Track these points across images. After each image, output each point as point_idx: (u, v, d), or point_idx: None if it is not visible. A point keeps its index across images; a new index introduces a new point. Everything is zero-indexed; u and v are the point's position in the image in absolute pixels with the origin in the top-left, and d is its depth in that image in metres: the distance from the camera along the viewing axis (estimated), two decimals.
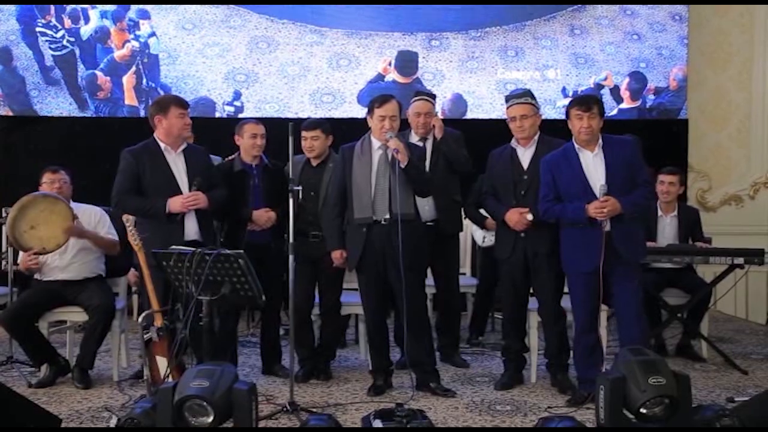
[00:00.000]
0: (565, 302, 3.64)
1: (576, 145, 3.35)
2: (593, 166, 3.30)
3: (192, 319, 2.81)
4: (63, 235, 3.62)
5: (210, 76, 6.04)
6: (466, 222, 4.67)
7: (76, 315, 3.72)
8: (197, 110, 5.60)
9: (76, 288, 3.74)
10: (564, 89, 6.27)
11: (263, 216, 3.77)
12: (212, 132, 5.60)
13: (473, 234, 4.66)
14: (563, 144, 3.60)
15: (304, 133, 3.76)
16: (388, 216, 3.38)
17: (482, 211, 4.47)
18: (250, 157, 3.84)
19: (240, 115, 6.08)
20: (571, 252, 3.36)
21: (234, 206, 3.75)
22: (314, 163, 3.88)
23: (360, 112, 6.04)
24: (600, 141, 3.32)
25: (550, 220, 3.39)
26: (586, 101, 3.36)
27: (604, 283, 3.24)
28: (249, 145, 3.81)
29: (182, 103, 3.51)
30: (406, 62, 6.19)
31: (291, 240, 3.22)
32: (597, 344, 3.34)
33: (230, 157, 3.96)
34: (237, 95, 6.07)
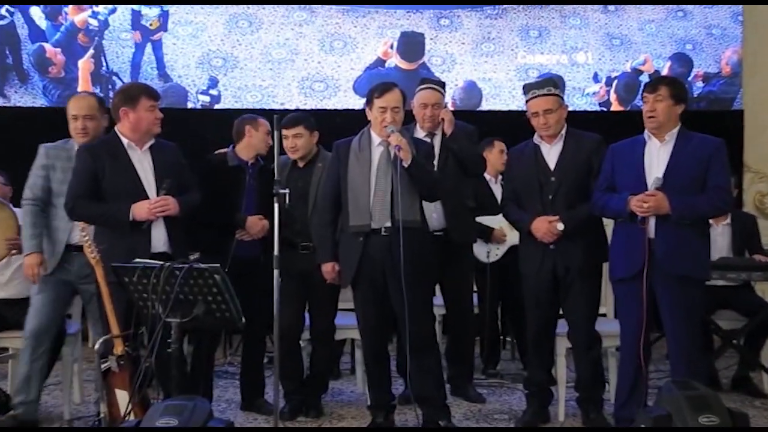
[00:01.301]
0: (602, 326, 3.63)
1: (647, 134, 3.35)
2: (656, 156, 3.29)
3: (159, 346, 2.80)
4: (4, 246, 3.61)
5: (181, 61, 6.07)
6: None
7: (18, 341, 3.70)
8: (166, 100, 5.61)
9: (18, 308, 3.73)
10: (596, 75, 6.29)
11: (257, 224, 3.80)
12: (183, 125, 5.62)
13: (474, 249, 4.64)
14: (596, 138, 3.60)
15: (284, 132, 3.79)
16: (389, 224, 3.38)
17: (487, 219, 4.49)
18: (251, 154, 3.88)
19: (216, 106, 6.10)
20: (615, 253, 3.37)
21: (225, 208, 3.78)
22: (301, 164, 3.90)
23: (357, 102, 6.05)
24: (675, 131, 3.30)
25: (597, 213, 3.42)
26: (655, 82, 3.37)
27: (651, 302, 3.22)
28: (264, 140, 3.88)
29: (153, 95, 3.51)
30: (411, 45, 6.21)
31: (276, 252, 3.21)
32: (640, 375, 3.31)
33: (221, 151, 3.98)
34: (213, 83, 6.09)
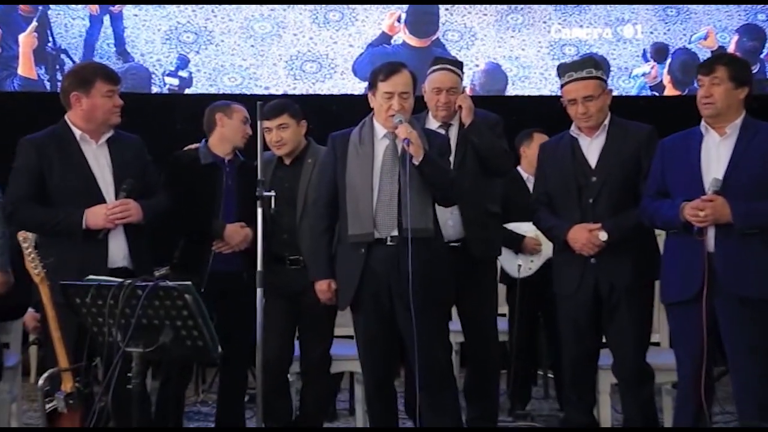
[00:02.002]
0: (655, 357, 3.62)
1: (703, 125, 3.34)
2: (715, 153, 3.27)
3: (117, 381, 2.79)
4: None
5: (144, 36, 6.09)
6: None
7: None
8: (126, 83, 5.59)
9: None
10: (645, 53, 6.29)
11: (239, 233, 3.81)
12: (147, 114, 5.65)
13: (502, 262, 4.62)
14: (646, 129, 3.60)
15: (266, 123, 3.80)
16: (395, 232, 3.38)
17: (516, 226, 4.49)
18: (227, 148, 3.91)
19: (187, 91, 6.12)
20: (668, 271, 3.35)
21: (198, 214, 3.79)
22: (287, 161, 3.91)
23: (357, 86, 6.07)
24: (738, 122, 3.28)
25: (646, 223, 3.40)
26: (711, 60, 3.37)
27: (714, 328, 3.20)
28: (239, 130, 3.90)
29: (111, 77, 3.52)
30: (422, 17, 6.23)
31: (259, 267, 3.22)
32: (702, 417, 3.27)
33: (192, 146, 4.01)
34: (183, 62, 6.11)
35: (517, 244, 4.51)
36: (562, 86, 3.62)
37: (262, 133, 3.48)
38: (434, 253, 3.43)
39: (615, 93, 3.77)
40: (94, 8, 6.05)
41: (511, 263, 4.55)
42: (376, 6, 6.19)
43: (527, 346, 4.70)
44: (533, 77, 6.24)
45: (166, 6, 6.09)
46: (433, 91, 3.99)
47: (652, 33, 6.29)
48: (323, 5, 6.17)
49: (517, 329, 4.60)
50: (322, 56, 6.15)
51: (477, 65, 6.23)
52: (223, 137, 3.90)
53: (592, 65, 3.60)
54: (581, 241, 3.49)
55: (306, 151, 3.90)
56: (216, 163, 3.87)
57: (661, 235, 3.55)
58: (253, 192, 3.70)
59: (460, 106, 3.98)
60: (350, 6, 6.18)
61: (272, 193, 3.38)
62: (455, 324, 4.08)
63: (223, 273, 3.77)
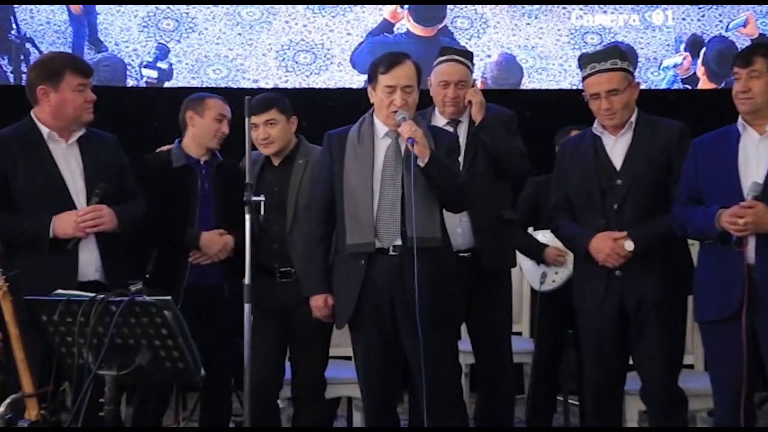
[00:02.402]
0: (689, 381, 3.61)
1: (741, 122, 3.34)
2: (755, 154, 3.26)
3: (87, 408, 2.79)
4: None
5: (119, 23, 6.09)
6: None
7: None
8: (99, 76, 5.62)
9: None
10: (678, 41, 6.28)
11: (216, 242, 3.82)
12: (123, 110, 5.66)
13: (525, 272, 4.63)
14: (677, 127, 3.60)
15: (252, 119, 3.79)
16: (399, 242, 3.39)
17: (541, 234, 4.48)
18: (201, 149, 3.92)
19: (167, 84, 6.12)
20: (703, 286, 3.34)
21: (171, 223, 3.80)
22: (276, 161, 3.91)
23: (356, 79, 6.07)
24: None
25: (678, 233, 3.40)
26: (748, 51, 3.37)
27: (754, 348, 3.19)
28: (211, 130, 3.90)
29: (83, 69, 3.53)
30: (428, 3, 6.23)
31: (247, 280, 3.23)
32: None
33: (164, 148, 4.01)
34: (162, 53, 6.11)
35: (538, 253, 4.51)
36: (583, 79, 3.62)
37: (249, 131, 3.47)
38: (442, 265, 3.44)
39: (643, 86, 3.79)
40: (77, 8, 6.05)
41: (534, 274, 4.54)
42: None
43: (548, 368, 4.68)
44: (551, 69, 6.23)
45: None
46: (439, 84, 3.99)
47: (684, 19, 6.28)
48: None
49: (536, 348, 4.60)
50: (317, 46, 6.15)
51: (489, 56, 6.22)
52: (195, 137, 3.91)
53: (618, 55, 3.60)
54: (605, 251, 3.49)
55: (296, 151, 3.91)
56: (189, 165, 3.88)
57: (694, 246, 3.54)
58: (233, 195, 3.71)
59: (469, 102, 4.00)
60: None
61: (261, 198, 3.38)
62: (465, 343, 4.08)
63: (202, 287, 3.78)
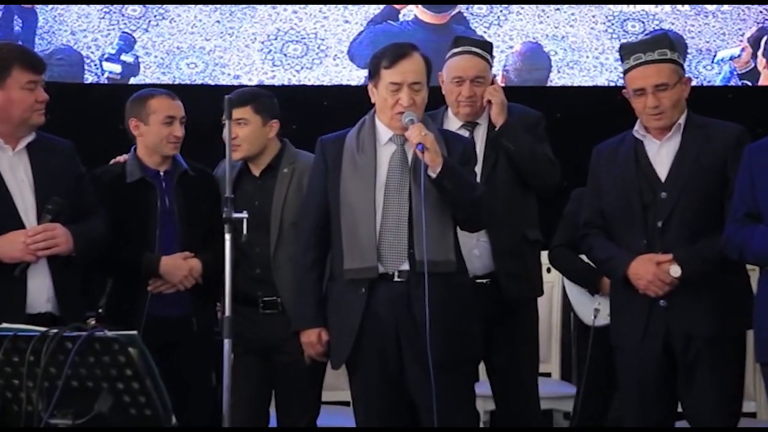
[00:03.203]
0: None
1: None
2: None
3: None
4: None
5: (75, 8, 6.10)
6: (552, 278, 4.63)
7: None
8: (53, 71, 5.67)
9: None
10: (736, 29, 6.29)
11: (180, 267, 3.83)
12: (79, 111, 5.68)
13: (573, 303, 4.62)
14: (735, 131, 3.60)
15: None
16: (406, 266, 3.40)
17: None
18: (156, 159, 3.92)
19: (133, 80, 6.15)
20: (764, 319, 3.33)
21: (127, 246, 3.81)
22: (256, 170, 3.94)
23: (355, 75, 6.08)
24: None
25: (733, 256, 3.39)
26: None
27: None
28: (161, 136, 3.89)
29: (33, 64, 3.53)
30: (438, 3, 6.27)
31: (227, 311, 3.24)
32: None
33: (117, 159, 4.02)
34: (126, 44, 6.13)
35: (595, 282, 4.51)
36: (625, 72, 3.64)
37: (230, 136, 3.46)
38: (456, 293, 3.45)
39: (693, 82, 3.76)
40: None
41: (586, 307, 4.55)
42: None
43: (594, 417, 4.67)
44: (585, 62, 6.25)
45: None
46: (453, 81, 4.00)
47: (743, 4, 6.30)
48: None
49: (583, 394, 4.59)
50: (309, 36, 6.17)
51: (511, 47, 6.24)
52: (146, 147, 3.91)
53: (667, 45, 3.61)
54: (646, 277, 3.50)
55: (280, 158, 3.93)
56: (146, 179, 3.88)
57: (754, 272, 3.54)
58: (200, 210, 3.73)
59: (488, 102, 4.00)
60: None
61: (243, 215, 3.37)
62: (484, 386, 4.08)
63: (166, 320, 3.79)
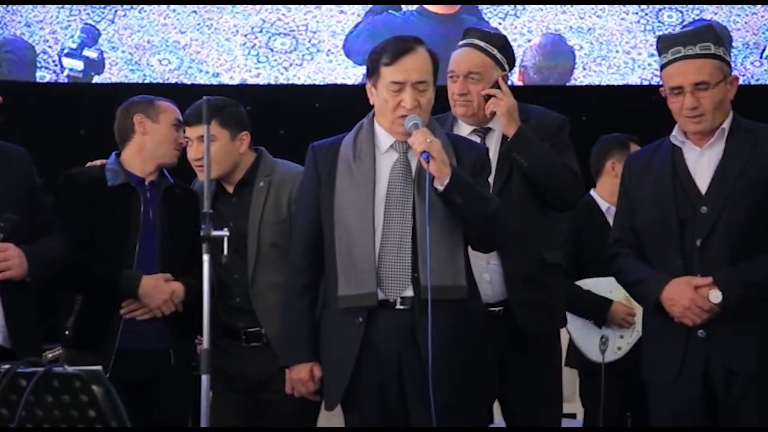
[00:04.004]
0: None
1: None
2: None
3: None
4: None
5: None
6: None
7: None
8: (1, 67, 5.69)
9: None
10: None
11: (161, 290, 3.84)
12: (33, 114, 5.68)
13: (574, 337, 4.62)
14: None
15: (187, 132, 3.89)
16: (409, 292, 3.41)
17: (594, 283, 4.51)
18: (149, 166, 3.96)
19: (96, 79, 6.15)
20: None
21: (102, 260, 3.82)
22: (228, 187, 3.97)
23: (351, 73, 6.08)
24: None
25: None
26: None
27: None
28: (170, 138, 3.96)
29: None
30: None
31: (205, 343, 3.24)
32: None
33: (96, 163, 4.04)
34: (89, 37, 6.14)
35: (601, 312, 4.50)
36: (662, 67, 3.63)
37: (208, 143, 3.46)
38: (468, 323, 3.45)
39: (741, 82, 3.77)
40: None
41: (590, 341, 4.55)
42: None
43: None
44: (614, 58, 6.26)
45: None
46: (448, 77, 4.02)
47: None
48: None
49: None
50: (299, 28, 6.18)
51: (529, 40, 6.26)
52: (144, 149, 3.94)
53: (711, 38, 3.61)
54: (683, 302, 3.50)
55: (255, 170, 3.96)
56: (130, 185, 3.90)
57: None
58: (185, 230, 3.73)
59: (497, 102, 3.96)
60: None
61: (225, 233, 3.33)
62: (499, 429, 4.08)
63: (140, 352, 3.80)
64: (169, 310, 3.85)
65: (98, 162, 4.03)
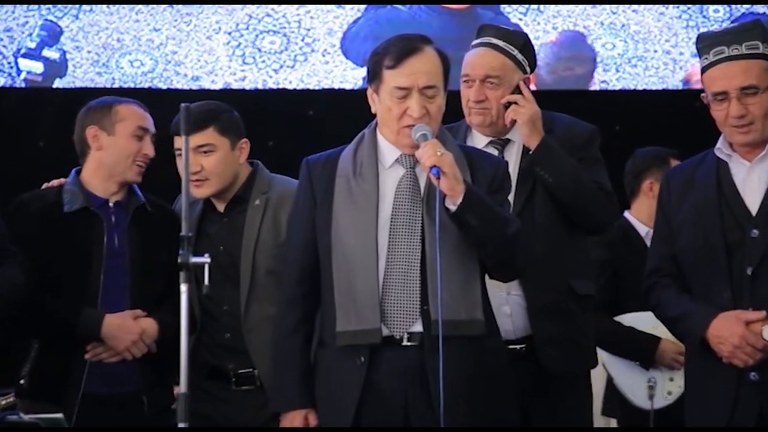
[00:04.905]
0: None
1: None
2: None
3: None
4: None
5: None
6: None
7: None
8: None
9: None
10: None
11: (128, 329, 3.85)
12: None
13: (616, 381, 4.65)
14: None
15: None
16: (418, 327, 3.42)
17: (635, 319, 4.53)
18: (111, 185, 3.97)
19: (58, 83, 6.17)
20: None
21: (57, 300, 3.83)
22: (220, 205, 3.99)
23: (349, 76, 6.09)
24: None
25: None
26: None
27: None
28: (128, 152, 3.94)
29: None
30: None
31: (183, 387, 3.25)
32: None
33: (54, 183, 4.05)
34: (50, 35, 6.15)
35: (648, 351, 4.51)
36: (703, 70, 3.65)
37: (187, 156, 3.47)
38: (486, 363, 3.46)
39: None
40: None
41: (636, 385, 4.57)
42: None
43: None
44: (652, 58, 6.27)
45: None
46: (462, 81, 4.04)
47: None
48: None
49: None
50: (290, 26, 6.19)
51: (551, 38, 6.27)
52: (102, 166, 3.95)
53: (759, 35, 3.62)
54: (732, 340, 3.50)
55: (250, 187, 3.98)
56: (90, 209, 3.91)
57: None
58: (159, 255, 3.74)
59: (512, 118, 3.98)
60: None
61: (206, 259, 3.32)
62: None
63: (109, 398, 3.81)
64: (140, 351, 3.86)
65: (56, 182, 4.03)
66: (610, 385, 4.83)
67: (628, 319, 4.57)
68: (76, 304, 3.84)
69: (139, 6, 6.16)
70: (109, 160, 3.94)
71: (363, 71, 3.57)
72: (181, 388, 3.28)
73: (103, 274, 3.89)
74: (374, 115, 3.57)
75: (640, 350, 4.49)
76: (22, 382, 3.89)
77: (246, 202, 3.95)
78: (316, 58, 6.19)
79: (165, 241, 3.86)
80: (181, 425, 3.25)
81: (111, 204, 3.96)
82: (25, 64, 6.14)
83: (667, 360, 4.54)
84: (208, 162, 3.88)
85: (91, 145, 3.95)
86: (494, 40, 4.05)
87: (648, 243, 4.59)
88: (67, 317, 3.83)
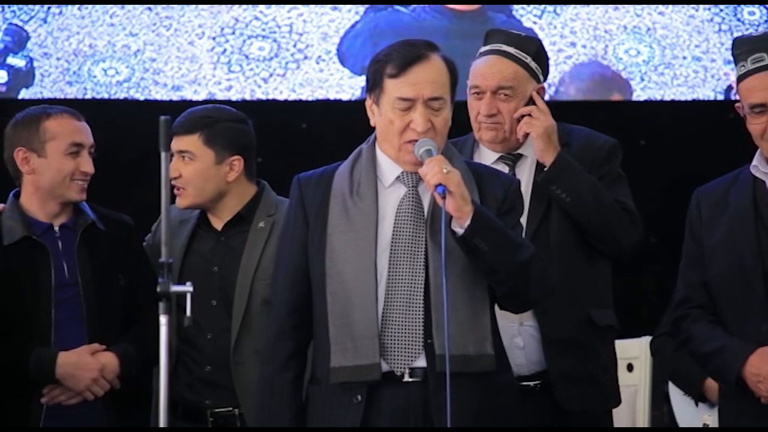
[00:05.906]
0: None
1: None
2: None
3: None
4: None
5: None
6: (636, 379, 4.67)
7: None
8: None
9: None
10: None
11: (86, 367, 3.84)
12: None
13: (676, 415, 4.67)
14: None
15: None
16: (422, 362, 3.42)
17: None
18: (52, 207, 3.96)
19: (24, 93, 6.19)
20: None
21: (3, 340, 3.84)
22: (218, 223, 4.01)
23: (346, 85, 6.11)
24: None
25: None
26: None
27: None
28: (62, 173, 3.93)
29: None
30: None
31: (162, 422, 3.26)
32: None
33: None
34: (15, 41, 6.18)
35: (698, 384, 4.54)
36: (739, 79, 3.68)
37: (167, 173, 3.47)
38: (494, 402, 3.45)
39: None
40: None
41: (690, 421, 4.60)
42: None
43: None
44: (681, 66, 6.29)
45: None
46: (471, 93, 4.06)
47: None
48: None
49: None
50: (281, 30, 6.22)
51: (573, 43, 6.28)
52: (40, 189, 3.95)
53: None
54: None
55: (254, 207, 4.00)
56: (32, 238, 3.90)
57: None
58: (116, 277, 3.76)
59: (524, 131, 4.01)
60: None
61: (188, 288, 3.32)
62: None
63: None
64: (102, 389, 3.86)
65: (1, 206, 4.02)
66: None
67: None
68: (25, 345, 3.84)
69: (114, 8, 6.16)
70: (44, 183, 3.94)
71: (361, 80, 3.57)
72: (161, 422, 3.29)
73: (54, 309, 3.89)
74: (373, 129, 3.58)
75: (690, 383, 4.54)
76: None
77: (248, 223, 3.98)
78: (309, 65, 6.22)
79: (121, 262, 3.88)
80: None
81: (56, 228, 3.96)
82: None
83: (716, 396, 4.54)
84: (186, 170, 3.92)
85: (22, 169, 3.95)
86: (505, 47, 4.06)
87: None
88: (17, 360, 3.83)
